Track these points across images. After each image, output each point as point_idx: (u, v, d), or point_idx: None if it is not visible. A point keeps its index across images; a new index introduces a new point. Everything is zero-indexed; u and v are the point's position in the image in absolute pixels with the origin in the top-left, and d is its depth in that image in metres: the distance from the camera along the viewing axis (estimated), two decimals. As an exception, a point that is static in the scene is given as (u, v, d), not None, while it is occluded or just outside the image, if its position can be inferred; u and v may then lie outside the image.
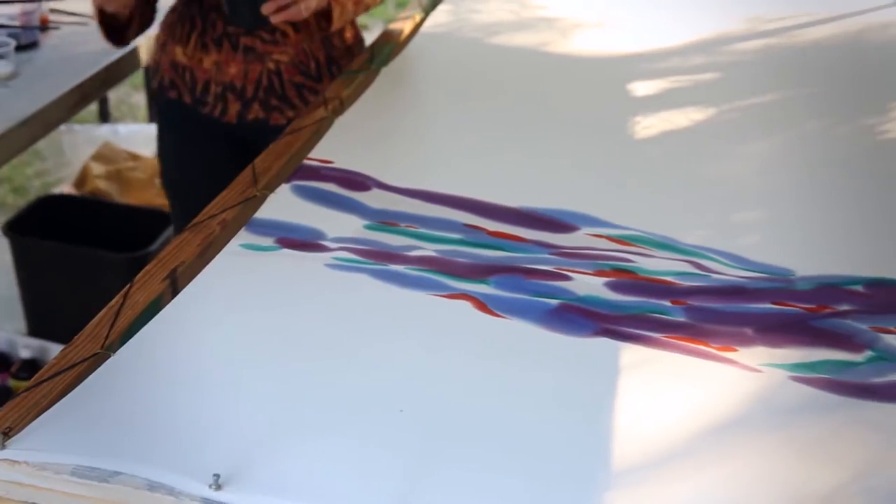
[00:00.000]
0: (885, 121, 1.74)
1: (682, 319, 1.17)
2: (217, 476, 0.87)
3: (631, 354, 1.10)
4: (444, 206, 1.38)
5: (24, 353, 2.54)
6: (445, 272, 1.23)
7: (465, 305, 1.17)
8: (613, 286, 1.22)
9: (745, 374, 1.08)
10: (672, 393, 1.05)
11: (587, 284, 1.22)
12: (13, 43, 2.18)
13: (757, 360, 1.10)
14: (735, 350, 1.12)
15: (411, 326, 1.14)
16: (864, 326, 1.17)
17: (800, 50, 2.07)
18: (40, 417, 0.95)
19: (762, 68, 1.97)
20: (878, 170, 1.57)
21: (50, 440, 0.92)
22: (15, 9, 2.42)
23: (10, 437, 0.91)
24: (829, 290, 1.24)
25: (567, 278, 1.23)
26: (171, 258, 1.23)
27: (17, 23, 2.36)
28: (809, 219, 1.41)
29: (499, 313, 1.16)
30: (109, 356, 1.05)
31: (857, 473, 0.94)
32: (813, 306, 1.20)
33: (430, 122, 1.60)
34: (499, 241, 1.31)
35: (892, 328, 1.17)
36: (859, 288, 1.24)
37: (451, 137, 1.58)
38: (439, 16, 2.15)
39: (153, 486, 0.87)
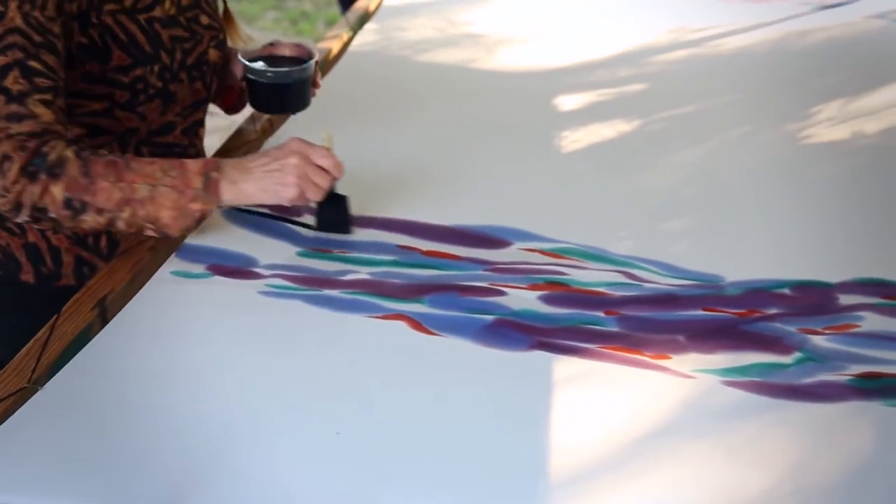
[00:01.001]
0: (806, 126, 1.78)
1: (615, 329, 1.19)
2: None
3: (566, 367, 1.12)
4: (377, 230, 1.39)
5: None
6: (379, 294, 1.24)
7: (401, 325, 1.18)
8: (547, 299, 1.24)
9: (678, 381, 1.10)
10: (608, 403, 1.07)
11: (521, 299, 1.24)
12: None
13: (690, 367, 1.13)
14: (668, 357, 1.14)
15: (347, 349, 1.15)
16: (792, 329, 1.20)
17: (722, 59, 2.11)
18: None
19: (686, 78, 2.00)
20: (801, 174, 1.61)
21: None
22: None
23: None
24: (758, 294, 1.27)
25: (501, 293, 1.25)
26: (100, 286, 1.23)
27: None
28: (736, 225, 1.45)
29: (434, 331, 1.17)
30: (37, 390, 1.04)
31: (789, 474, 0.97)
32: (742, 311, 1.23)
33: (360, 142, 1.59)
34: (433, 260, 1.32)
35: (819, 329, 1.20)
36: (786, 291, 1.27)
37: (381, 158, 1.59)
38: (366, 34, 2.16)
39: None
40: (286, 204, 1.27)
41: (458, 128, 1.74)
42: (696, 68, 2.05)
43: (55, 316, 1.18)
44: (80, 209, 1.17)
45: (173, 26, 1.39)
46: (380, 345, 1.15)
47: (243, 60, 1.46)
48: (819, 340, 1.18)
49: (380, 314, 1.20)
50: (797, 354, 1.15)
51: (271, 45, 1.51)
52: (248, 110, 1.63)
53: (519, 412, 1.05)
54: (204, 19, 1.45)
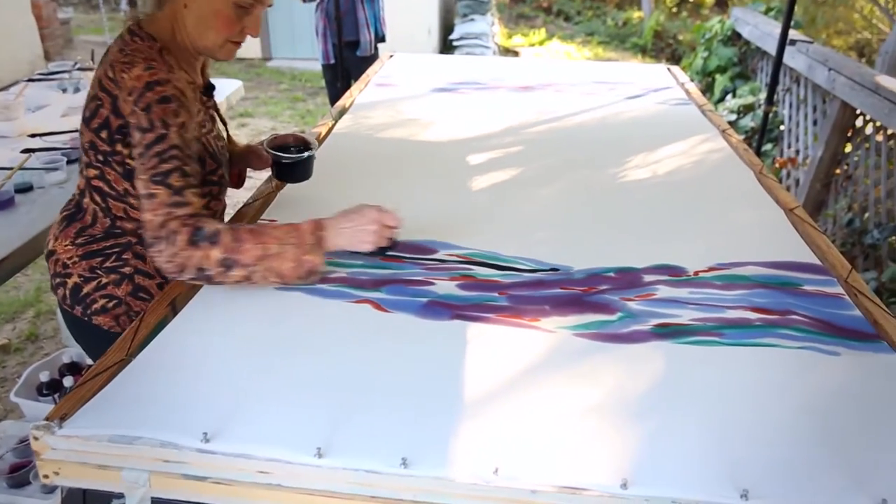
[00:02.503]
0: (621, 170, 1.79)
1: (505, 304, 1.18)
2: (205, 433, 0.85)
3: (474, 330, 1.11)
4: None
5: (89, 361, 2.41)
6: (353, 286, 1.21)
7: (367, 307, 1.16)
8: (462, 286, 1.22)
9: (545, 335, 1.10)
10: (501, 351, 1.06)
11: (445, 286, 1.22)
12: (65, 159, 2.09)
13: (553, 326, 1.12)
14: (538, 320, 1.13)
15: (331, 323, 1.11)
16: (616, 298, 1.19)
17: (569, 130, 2.12)
18: (85, 405, 0.92)
19: (547, 142, 2.00)
20: (619, 201, 1.61)
21: (92, 420, 0.89)
22: (66, 136, 2.34)
23: (65, 420, 0.88)
24: (594, 276, 1.26)
25: (432, 283, 1.23)
26: (171, 291, 1.20)
27: (68, 145, 2.27)
28: (580, 233, 1.44)
29: (389, 310, 1.15)
30: (131, 361, 1.01)
31: (612, 391, 0.97)
32: (585, 288, 1.22)
33: (343, 189, 1.58)
34: (388, 263, 1.29)
35: (632, 297, 1.20)
36: (612, 274, 1.27)
37: (355, 199, 1.54)
38: (344, 121, 2.14)
39: (164, 444, 0.85)
40: (362, 251, 1.22)
41: (404, 177, 1.72)
42: (551, 136, 2.06)
43: (143, 312, 1.14)
44: (231, 265, 1.11)
45: (221, 139, 1.40)
46: (353, 320, 1.12)
47: (270, 151, 1.45)
48: (632, 305, 1.18)
49: (353, 300, 1.18)
50: (619, 314, 1.15)
51: (274, 136, 1.49)
52: (248, 185, 1.62)
53: (444, 362, 1.03)
54: (224, 135, 1.46)
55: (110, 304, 1.31)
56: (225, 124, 1.47)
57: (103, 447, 0.86)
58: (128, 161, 1.22)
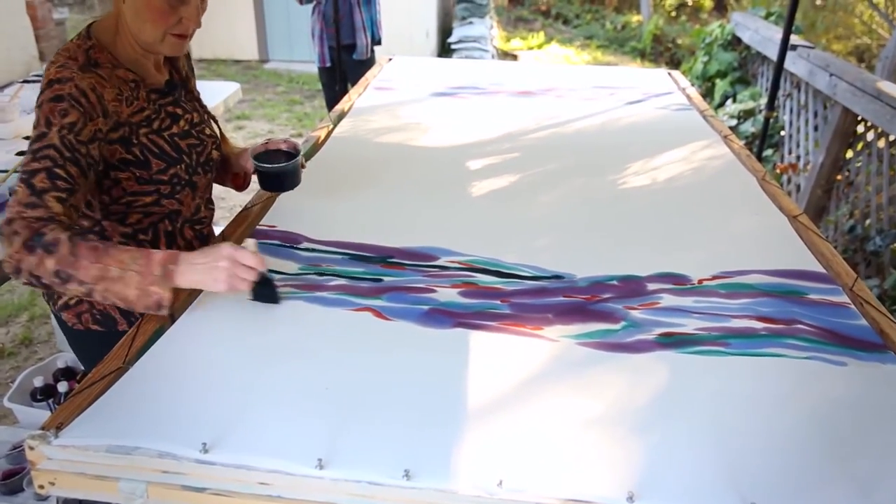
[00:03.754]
0: (621, 176, 1.79)
1: (507, 312, 1.17)
2: (204, 444, 0.85)
3: (476, 338, 1.10)
4: (351, 251, 1.36)
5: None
6: (353, 294, 1.21)
7: (367, 315, 1.15)
8: (463, 294, 1.21)
9: (548, 344, 1.09)
10: (504, 361, 1.05)
11: (446, 294, 1.21)
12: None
13: (556, 334, 1.11)
14: (541, 328, 1.13)
15: (332, 332, 1.11)
16: (619, 306, 1.19)
17: (568, 136, 2.12)
18: (82, 414, 0.91)
19: (546, 148, 1.99)
20: (620, 207, 1.61)
21: (89, 429, 0.88)
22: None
23: (61, 430, 0.88)
24: (597, 285, 1.26)
25: (433, 291, 1.22)
26: (170, 298, 1.18)
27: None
28: (582, 240, 1.44)
29: (390, 318, 1.14)
30: (128, 369, 1.01)
31: (617, 401, 0.97)
32: (588, 296, 1.22)
33: (341, 195, 1.58)
34: (388, 271, 1.28)
35: (635, 306, 1.19)
36: (615, 282, 1.26)
37: (355, 205, 1.56)
38: (344, 125, 2.13)
39: (162, 454, 0.85)
40: (221, 292, 1.11)
41: (404, 183, 1.71)
42: (551, 142, 2.05)
43: (140, 319, 1.13)
44: (66, 279, 1.06)
45: (188, 137, 1.36)
46: (354, 329, 1.12)
47: (253, 161, 1.43)
48: (636, 313, 1.17)
49: (353, 308, 1.17)
50: (623, 323, 1.15)
51: (267, 142, 1.46)
52: (252, 188, 1.58)
53: (447, 370, 1.02)
54: (207, 130, 1.42)
55: (72, 302, 1.35)
56: (206, 121, 1.44)
57: (100, 457, 0.85)
58: None
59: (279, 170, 1.41)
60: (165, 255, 1.09)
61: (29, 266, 1.06)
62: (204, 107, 1.45)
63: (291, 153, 1.44)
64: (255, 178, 1.54)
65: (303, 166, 1.48)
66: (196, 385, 0.97)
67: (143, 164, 1.27)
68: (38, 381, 2.07)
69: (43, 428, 0.87)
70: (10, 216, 1.08)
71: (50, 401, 2.08)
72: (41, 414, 2.02)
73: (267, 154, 1.44)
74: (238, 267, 1.09)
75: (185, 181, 1.35)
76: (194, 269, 1.08)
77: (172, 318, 1.13)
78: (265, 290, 1.15)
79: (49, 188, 1.10)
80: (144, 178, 1.27)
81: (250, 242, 1.15)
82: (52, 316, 1.44)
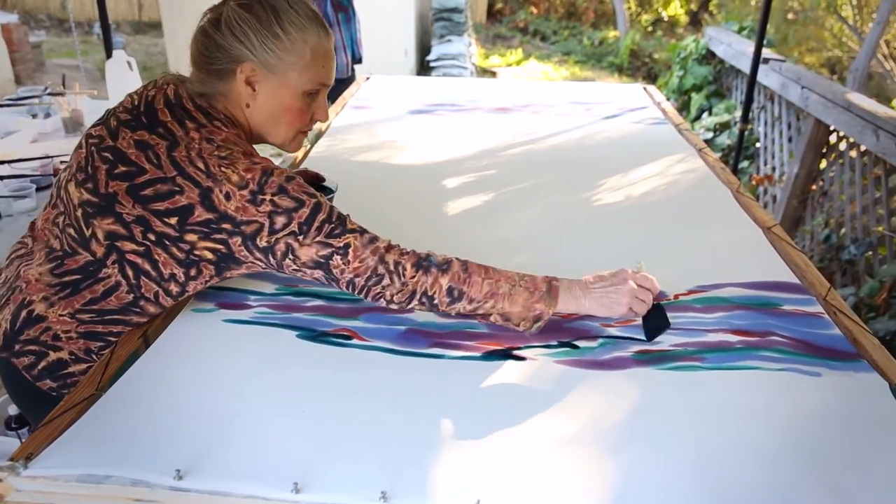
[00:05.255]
0: (595, 193, 1.80)
1: (484, 331, 1.17)
2: (178, 470, 0.84)
3: (453, 358, 1.10)
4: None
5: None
6: (330, 314, 1.20)
7: (344, 336, 1.14)
8: (441, 313, 1.20)
9: (524, 363, 1.09)
10: (481, 380, 1.04)
11: (423, 314, 1.20)
12: (34, 186, 2.07)
13: (533, 353, 1.11)
14: (519, 347, 1.12)
15: (307, 354, 1.10)
16: (596, 324, 1.19)
17: (543, 152, 2.13)
18: (52, 444, 0.89)
19: (523, 164, 2.01)
20: (597, 222, 1.62)
21: (60, 459, 0.86)
22: (35, 163, 2.31)
23: (31, 460, 0.86)
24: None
25: (410, 311, 1.21)
26: (144, 323, 1.17)
27: (37, 172, 2.24)
28: (559, 257, 1.44)
29: (366, 339, 1.14)
30: (101, 395, 0.99)
31: (594, 420, 0.96)
32: (565, 314, 1.21)
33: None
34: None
35: (612, 323, 1.19)
36: (591, 299, 1.26)
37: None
38: (321, 144, 2.14)
39: (135, 483, 0.83)
40: (614, 317, 1.16)
41: (381, 201, 1.71)
42: (528, 158, 2.06)
43: (114, 343, 1.12)
44: (458, 297, 1.08)
45: None
46: (330, 350, 1.11)
47: None
48: (613, 331, 1.17)
49: (331, 328, 1.16)
50: (600, 340, 1.15)
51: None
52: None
53: (422, 389, 1.02)
54: None
55: (60, 371, 1.15)
56: None
57: (71, 487, 0.83)
58: (196, 252, 1.09)
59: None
60: (546, 277, 1.13)
61: (424, 287, 1.08)
62: None
63: (316, 182, 1.42)
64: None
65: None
66: (170, 410, 0.96)
67: None
68: (12, 410, 2.04)
69: (12, 459, 0.86)
70: (375, 257, 1.07)
71: (26, 429, 2.04)
72: (15, 443, 1.99)
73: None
74: (640, 290, 1.13)
75: None
76: (591, 294, 1.13)
77: (147, 343, 1.11)
78: (657, 319, 1.16)
79: (364, 228, 1.11)
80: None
81: (641, 265, 1.18)
82: (33, 400, 1.19)
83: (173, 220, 1.07)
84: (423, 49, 8.35)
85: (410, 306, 1.10)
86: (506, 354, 1.10)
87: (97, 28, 8.13)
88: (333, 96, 3.42)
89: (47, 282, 1.13)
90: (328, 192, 1.44)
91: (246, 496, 0.82)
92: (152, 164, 1.07)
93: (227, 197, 1.04)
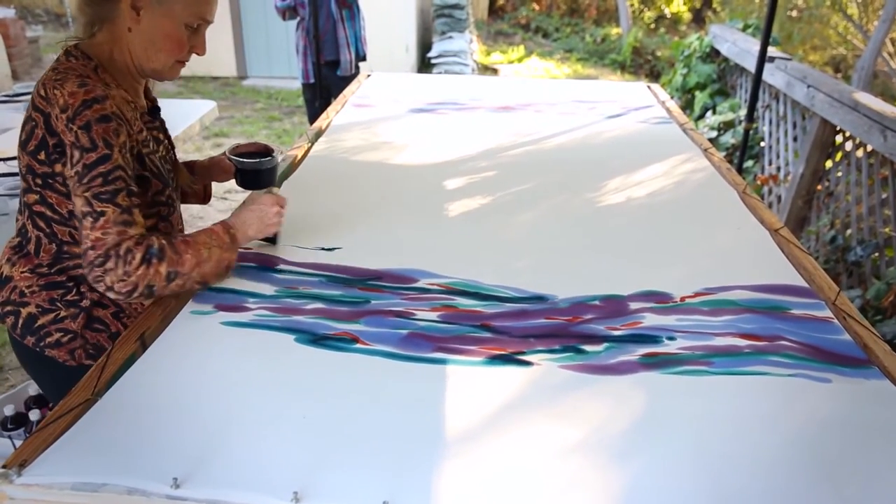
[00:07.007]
0: (600, 194, 1.78)
1: (488, 335, 1.15)
2: (175, 479, 0.82)
3: (456, 362, 1.08)
4: (328, 273, 1.34)
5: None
6: (331, 318, 1.19)
7: (345, 339, 1.13)
8: (443, 317, 1.20)
9: (530, 368, 1.07)
10: (485, 386, 1.03)
11: (426, 318, 1.19)
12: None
13: (537, 357, 1.10)
14: (523, 352, 1.11)
15: (310, 357, 1.08)
16: (601, 327, 1.18)
17: (546, 152, 2.11)
18: (47, 450, 0.88)
19: (525, 164, 1.99)
20: (602, 223, 1.60)
21: (54, 466, 0.85)
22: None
23: (25, 467, 0.85)
24: (579, 305, 1.24)
25: (413, 315, 1.20)
26: (141, 325, 1.16)
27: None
28: (562, 260, 1.42)
29: (368, 343, 1.12)
30: (97, 400, 0.98)
31: (600, 425, 0.95)
32: (570, 317, 1.21)
33: (317, 216, 1.56)
34: (366, 293, 1.27)
35: (618, 326, 1.18)
36: (597, 302, 1.25)
37: (332, 226, 1.54)
38: (320, 144, 2.12)
39: (131, 491, 0.82)
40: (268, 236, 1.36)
41: (382, 202, 1.69)
42: (531, 158, 2.05)
43: (111, 347, 1.10)
44: (174, 278, 1.15)
45: (166, 161, 1.36)
46: (331, 354, 1.09)
47: (231, 158, 1.43)
48: (618, 334, 1.16)
49: (332, 332, 1.15)
50: (605, 344, 1.13)
51: (237, 146, 1.47)
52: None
53: (425, 397, 1.00)
54: (172, 157, 1.43)
55: (65, 339, 1.27)
56: (173, 147, 1.44)
57: (66, 495, 0.82)
58: (69, 180, 1.18)
59: (256, 165, 1.43)
60: (221, 225, 1.25)
61: (147, 280, 1.12)
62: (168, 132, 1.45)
63: (267, 154, 1.46)
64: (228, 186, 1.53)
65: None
66: (166, 417, 0.95)
67: (148, 184, 1.26)
68: (8, 410, 2.02)
69: (6, 465, 0.84)
70: (116, 239, 1.11)
71: (22, 429, 2.03)
72: (7, 444, 1.98)
73: (248, 154, 1.46)
74: (280, 210, 1.34)
75: (173, 203, 1.35)
76: (251, 226, 1.30)
77: (144, 346, 1.10)
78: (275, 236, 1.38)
79: (133, 204, 1.14)
80: (148, 200, 1.27)
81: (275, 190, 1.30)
82: (30, 361, 1.34)
83: (42, 156, 1.18)
84: (425, 46, 8.33)
85: (131, 299, 1.15)
86: (510, 359, 1.09)
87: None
88: (337, 93, 3.40)
89: (10, 245, 1.31)
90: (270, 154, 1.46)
91: (244, 505, 0.81)
92: (25, 113, 1.22)
93: (57, 118, 1.14)
